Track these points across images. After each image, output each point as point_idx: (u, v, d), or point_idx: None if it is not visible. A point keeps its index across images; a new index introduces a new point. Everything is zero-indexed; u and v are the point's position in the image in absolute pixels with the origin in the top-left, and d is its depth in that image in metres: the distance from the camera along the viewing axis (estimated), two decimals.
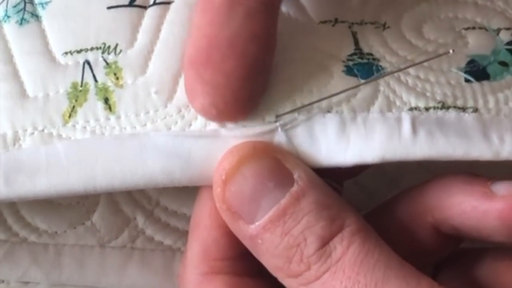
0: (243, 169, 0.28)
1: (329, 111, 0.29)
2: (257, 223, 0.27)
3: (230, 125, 0.29)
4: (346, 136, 0.29)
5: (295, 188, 0.27)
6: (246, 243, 0.28)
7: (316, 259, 0.26)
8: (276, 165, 0.28)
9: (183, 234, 0.36)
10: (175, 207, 0.37)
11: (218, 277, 0.29)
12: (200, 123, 0.29)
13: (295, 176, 0.27)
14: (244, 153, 0.28)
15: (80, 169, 0.29)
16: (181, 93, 0.30)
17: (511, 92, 0.31)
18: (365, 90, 0.29)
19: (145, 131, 0.29)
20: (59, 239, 0.36)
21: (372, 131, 0.29)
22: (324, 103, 0.29)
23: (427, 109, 0.29)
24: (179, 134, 0.29)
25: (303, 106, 0.29)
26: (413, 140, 0.28)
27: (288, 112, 0.29)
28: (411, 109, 0.29)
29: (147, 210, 0.36)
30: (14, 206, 0.36)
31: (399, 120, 0.29)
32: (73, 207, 0.36)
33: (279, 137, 0.29)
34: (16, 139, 0.30)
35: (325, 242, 0.26)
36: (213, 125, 0.29)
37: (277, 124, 0.29)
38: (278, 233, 0.27)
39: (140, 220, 0.36)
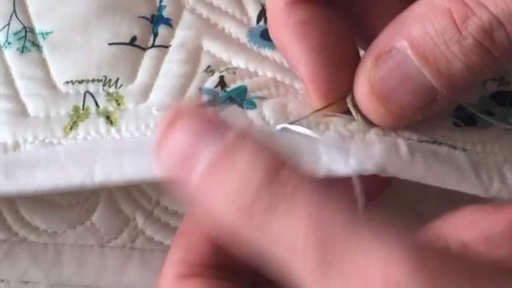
0: (177, 126, 0.24)
1: (327, 130, 0.30)
2: (197, 172, 0.24)
3: None
4: (346, 148, 0.29)
5: (234, 134, 0.24)
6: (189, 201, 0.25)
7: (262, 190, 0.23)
8: (215, 118, 0.25)
9: None
10: (175, 207, 0.37)
11: (196, 279, 0.29)
12: None
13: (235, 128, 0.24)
14: (178, 109, 0.25)
15: (78, 163, 0.30)
16: None
17: (498, 143, 0.31)
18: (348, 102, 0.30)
19: None
20: (59, 239, 0.36)
21: (371, 147, 0.29)
22: (322, 126, 0.30)
23: (420, 141, 0.30)
24: None
25: (301, 118, 0.30)
26: (411, 161, 0.29)
27: (286, 124, 0.30)
28: (405, 138, 0.30)
29: (147, 210, 0.37)
30: (13, 205, 0.36)
31: (395, 144, 0.30)
32: (73, 207, 0.37)
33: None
34: (16, 146, 0.31)
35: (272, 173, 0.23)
36: None
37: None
38: (220, 174, 0.24)
39: (140, 220, 0.37)
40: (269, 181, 0.23)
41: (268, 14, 0.32)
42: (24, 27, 0.35)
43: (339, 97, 0.30)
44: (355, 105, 0.30)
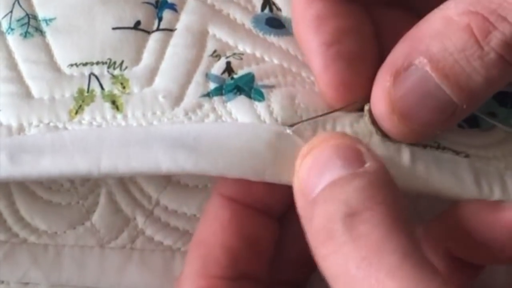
0: (322, 146, 0.28)
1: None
2: (313, 195, 0.28)
3: None
4: None
5: (358, 170, 0.27)
6: (302, 218, 0.28)
7: (339, 226, 0.26)
8: (354, 151, 0.28)
9: (183, 234, 0.37)
10: (175, 206, 0.37)
11: None
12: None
13: (366, 165, 0.28)
14: (331, 134, 0.29)
15: (85, 151, 0.30)
16: (188, 100, 0.31)
17: (501, 149, 0.32)
18: (366, 120, 0.31)
19: None
20: (59, 240, 0.37)
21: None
22: (328, 125, 0.30)
23: (424, 146, 0.30)
24: (185, 121, 0.30)
25: (310, 119, 0.30)
26: (412, 170, 0.30)
27: (294, 124, 0.30)
28: (410, 143, 0.30)
29: (147, 210, 0.37)
30: (13, 206, 0.36)
31: (399, 150, 0.30)
32: (72, 207, 0.37)
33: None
34: (21, 129, 0.31)
35: (352, 213, 0.26)
36: None
37: (287, 130, 0.30)
38: (322, 201, 0.27)
39: (140, 220, 0.37)
40: (340, 226, 0.26)
41: (291, 8, 0.32)
42: (27, 14, 0.35)
43: (350, 94, 0.30)
44: (374, 122, 0.30)
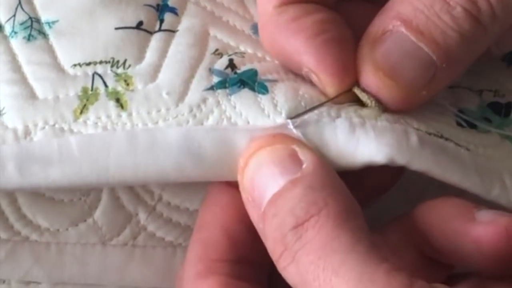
0: (258, 155, 0.29)
1: (338, 117, 0.30)
2: (262, 208, 0.28)
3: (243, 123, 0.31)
4: (356, 138, 0.30)
5: (296, 176, 0.28)
6: (259, 231, 0.29)
7: (290, 238, 0.27)
8: (289, 153, 0.29)
9: (185, 230, 0.37)
10: (177, 202, 0.37)
11: (214, 276, 0.30)
12: (211, 121, 0.31)
13: (303, 166, 0.29)
14: (262, 141, 0.30)
15: (92, 161, 0.30)
16: (192, 95, 0.32)
17: (498, 151, 0.32)
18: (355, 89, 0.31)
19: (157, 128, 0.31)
20: (61, 237, 0.37)
21: (382, 136, 0.30)
22: (333, 112, 0.31)
23: (428, 133, 0.31)
24: (190, 128, 0.31)
25: (313, 108, 0.31)
26: (420, 151, 0.30)
27: (299, 114, 0.31)
28: (415, 128, 0.31)
29: (149, 206, 0.37)
30: (15, 204, 0.36)
31: (406, 132, 0.30)
32: (75, 204, 0.37)
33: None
34: (27, 132, 0.31)
35: (299, 223, 0.27)
36: (225, 123, 0.31)
37: (290, 126, 0.30)
38: (270, 216, 0.28)
39: (142, 216, 0.37)
40: (292, 234, 0.27)
41: (259, 21, 0.33)
42: (30, 18, 0.35)
43: (351, 76, 0.31)
44: (364, 90, 0.31)
